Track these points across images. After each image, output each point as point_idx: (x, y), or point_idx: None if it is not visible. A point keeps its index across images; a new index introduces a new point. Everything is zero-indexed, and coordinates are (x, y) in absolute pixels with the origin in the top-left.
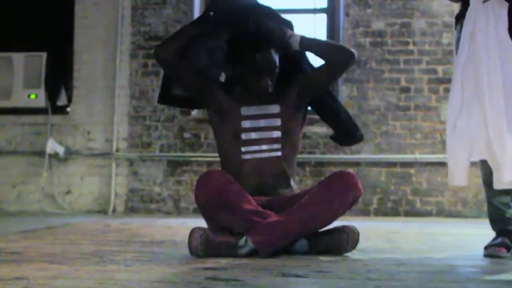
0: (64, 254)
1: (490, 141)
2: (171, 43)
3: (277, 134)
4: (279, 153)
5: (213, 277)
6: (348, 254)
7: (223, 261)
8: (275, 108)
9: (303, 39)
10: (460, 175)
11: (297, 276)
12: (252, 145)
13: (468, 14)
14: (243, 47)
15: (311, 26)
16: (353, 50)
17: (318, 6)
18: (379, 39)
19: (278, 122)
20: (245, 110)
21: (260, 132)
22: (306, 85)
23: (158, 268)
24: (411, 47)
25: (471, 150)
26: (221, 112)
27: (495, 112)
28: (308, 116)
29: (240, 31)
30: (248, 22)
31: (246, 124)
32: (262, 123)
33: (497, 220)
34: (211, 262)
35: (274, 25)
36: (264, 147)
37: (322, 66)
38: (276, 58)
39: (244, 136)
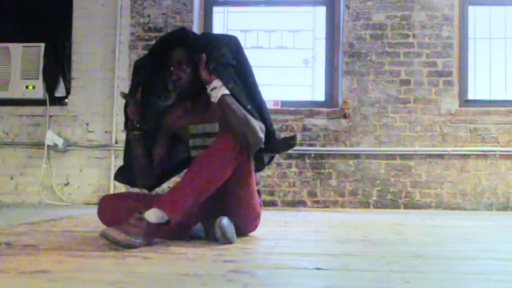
0: (78, 246)
1: None
2: (140, 179)
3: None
4: None
5: (236, 270)
6: (361, 246)
7: (241, 255)
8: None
9: (224, 98)
10: None
11: (319, 269)
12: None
13: None
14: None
15: (310, 19)
16: (262, 137)
17: None
18: (379, 32)
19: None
20: (192, 129)
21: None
22: None
23: (177, 261)
24: (411, 39)
25: None
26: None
27: None
28: (308, 109)
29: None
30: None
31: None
32: (208, 141)
33: None
34: (229, 255)
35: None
36: None
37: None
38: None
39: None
